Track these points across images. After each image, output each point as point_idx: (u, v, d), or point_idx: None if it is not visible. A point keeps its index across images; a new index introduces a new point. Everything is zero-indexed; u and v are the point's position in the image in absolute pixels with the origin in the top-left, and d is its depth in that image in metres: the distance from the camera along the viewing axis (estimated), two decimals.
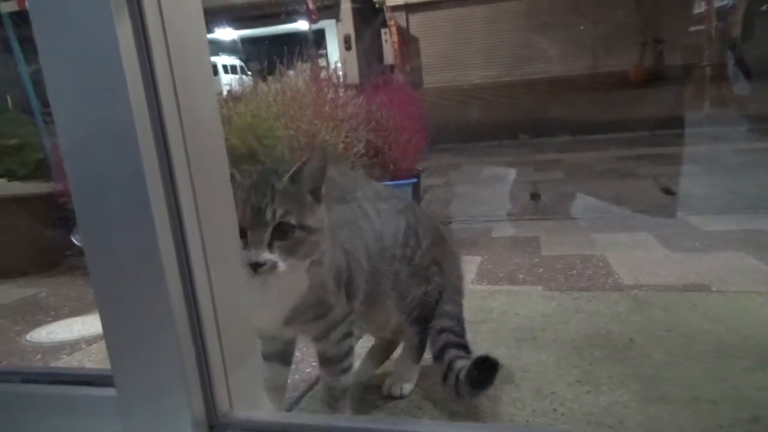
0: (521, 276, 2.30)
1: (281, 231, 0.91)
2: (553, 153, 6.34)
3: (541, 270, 2.36)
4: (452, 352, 1.27)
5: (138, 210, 0.71)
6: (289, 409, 1.28)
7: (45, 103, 3.62)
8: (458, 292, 1.40)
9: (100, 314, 0.74)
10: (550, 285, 2.16)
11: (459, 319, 1.35)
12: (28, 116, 3.82)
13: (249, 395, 0.84)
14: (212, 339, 0.77)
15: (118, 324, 0.74)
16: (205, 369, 0.76)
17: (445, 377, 1.25)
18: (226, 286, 0.81)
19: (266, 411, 0.91)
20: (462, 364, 1.22)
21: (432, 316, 1.32)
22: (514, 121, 8.66)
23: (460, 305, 1.39)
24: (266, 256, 0.89)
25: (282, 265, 0.90)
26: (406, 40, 13.03)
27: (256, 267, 0.88)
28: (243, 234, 0.90)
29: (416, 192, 3.17)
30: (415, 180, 3.11)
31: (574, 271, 2.30)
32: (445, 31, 12.94)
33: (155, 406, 0.75)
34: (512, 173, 5.14)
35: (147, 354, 0.74)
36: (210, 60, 0.88)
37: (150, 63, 0.70)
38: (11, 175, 3.39)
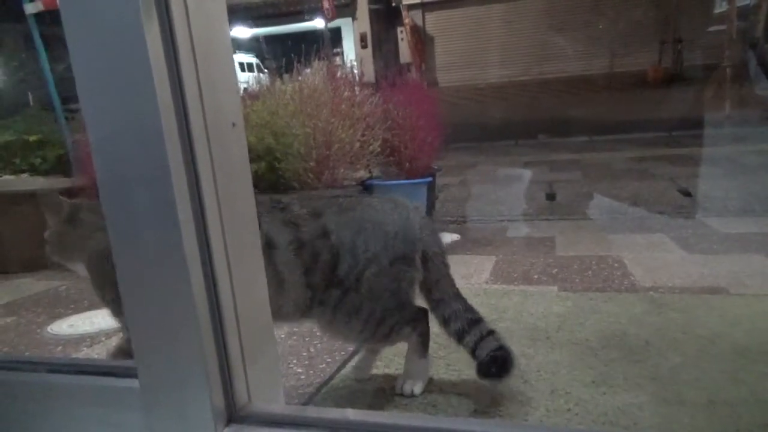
0: (536, 276, 2.30)
1: None
2: (570, 153, 6.30)
3: (556, 270, 2.35)
4: (470, 338, 1.28)
5: (163, 206, 0.73)
6: (306, 403, 1.30)
7: (66, 100, 3.69)
8: (443, 266, 1.36)
9: (125, 308, 0.76)
10: (566, 285, 2.15)
11: (457, 297, 1.34)
12: (50, 113, 3.89)
13: (267, 388, 0.86)
14: (232, 333, 0.79)
15: (142, 317, 0.76)
16: (225, 362, 0.78)
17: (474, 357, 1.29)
18: (247, 282, 0.82)
19: (283, 405, 0.93)
20: (484, 348, 1.27)
21: (410, 308, 1.32)
22: (531, 121, 8.62)
23: (448, 279, 1.36)
24: None
25: None
26: (423, 39, 13.01)
27: None
28: None
29: (431, 191, 3.17)
30: (430, 179, 3.11)
31: (590, 272, 2.29)
32: (462, 30, 12.90)
33: (177, 398, 0.77)
34: (528, 173, 5.12)
35: (169, 347, 0.75)
36: (233, 59, 0.89)
37: (176, 62, 0.71)
38: (33, 170, 3.45)
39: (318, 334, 1.80)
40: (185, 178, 0.74)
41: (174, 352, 0.76)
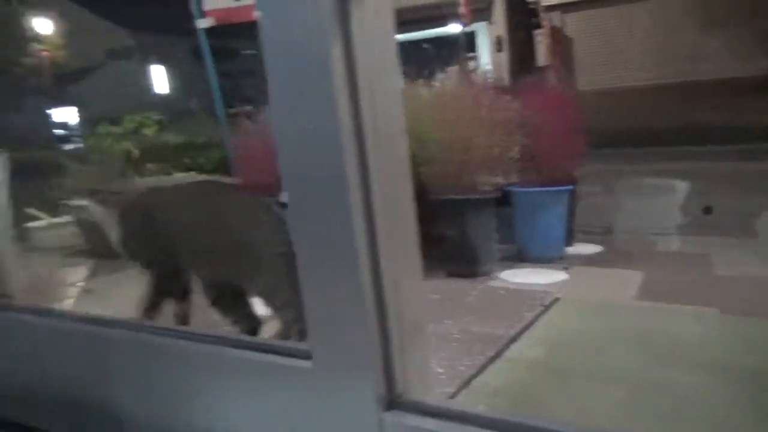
0: (690, 295, 2.12)
1: None
2: (731, 161, 5.69)
3: (714, 290, 2.15)
4: None
5: (339, 207, 0.81)
6: (452, 398, 1.33)
7: (226, 105, 4.09)
8: None
9: (304, 299, 0.86)
10: (727, 308, 1.96)
11: None
12: (213, 118, 4.34)
13: (421, 380, 0.91)
14: (394, 326, 0.85)
15: (318, 306, 0.85)
16: (387, 353, 0.84)
17: None
18: (407, 279, 0.88)
19: (436, 396, 0.97)
20: None
21: None
22: (680, 126, 7.92)
23: None
24: None
25: None
26: (561, 41, 12.51)
27: None
28: None
29: (572, 199, 3.06)
30: (570, 187, 3.01)
31: (756, 296, 2.06)
32: (603, 31, 12.19)
33: (344, 381, 0.85)
34: (678, 183, 4.70)
35: (341, 335, 0.83)
36: (399, 73, 0.96)
37: (354, 81, 0.79)
38: (200, 170, 3.90)
39: (457, 336, 1.84)
40: (359, 182, 0.81)
41: (344, 340, 0.83)
